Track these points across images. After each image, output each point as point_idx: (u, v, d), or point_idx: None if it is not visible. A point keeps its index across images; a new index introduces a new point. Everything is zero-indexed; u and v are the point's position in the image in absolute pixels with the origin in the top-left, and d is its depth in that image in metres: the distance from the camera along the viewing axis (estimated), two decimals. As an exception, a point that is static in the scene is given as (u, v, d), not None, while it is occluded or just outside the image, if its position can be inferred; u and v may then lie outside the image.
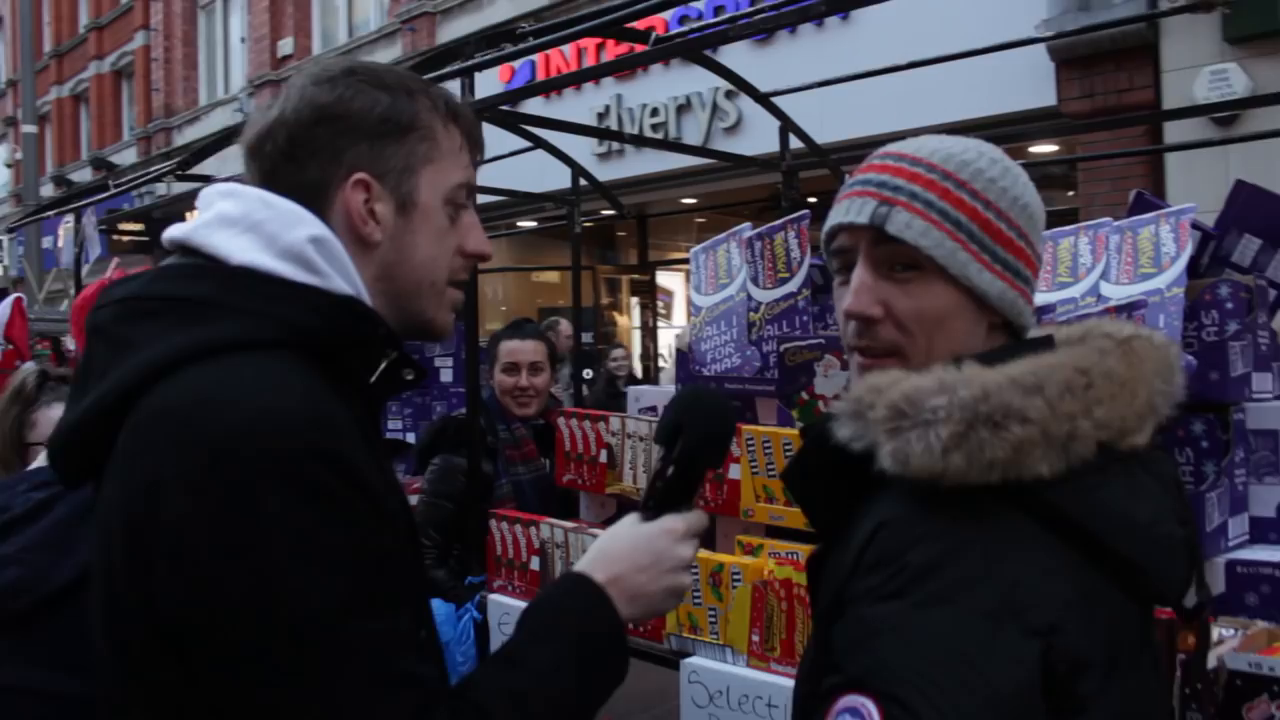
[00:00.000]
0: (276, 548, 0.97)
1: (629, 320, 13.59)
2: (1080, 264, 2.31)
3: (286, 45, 15.18)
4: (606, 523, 3.05)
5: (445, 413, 4.49)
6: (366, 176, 1.16)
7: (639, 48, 3.24)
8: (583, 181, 4.72)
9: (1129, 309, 2.01)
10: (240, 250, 1.11)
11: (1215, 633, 1.68)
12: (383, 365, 1.18)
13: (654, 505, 1.28)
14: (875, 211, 1.15)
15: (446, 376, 4.55)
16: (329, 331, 1.11)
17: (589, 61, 10.94)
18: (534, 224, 11.29)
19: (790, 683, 2.06)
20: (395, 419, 4.60)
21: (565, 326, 8.06)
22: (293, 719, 0.99)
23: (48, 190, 18.81)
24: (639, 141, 4.35)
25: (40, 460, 1.88)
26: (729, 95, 9.41)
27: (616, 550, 1.24)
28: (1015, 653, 0.96)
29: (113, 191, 6.09)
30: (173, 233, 1.16)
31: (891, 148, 1.22)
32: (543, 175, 5.59)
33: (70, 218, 9.11)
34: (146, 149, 18.99)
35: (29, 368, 1.95)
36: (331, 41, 14.68)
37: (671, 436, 1.28)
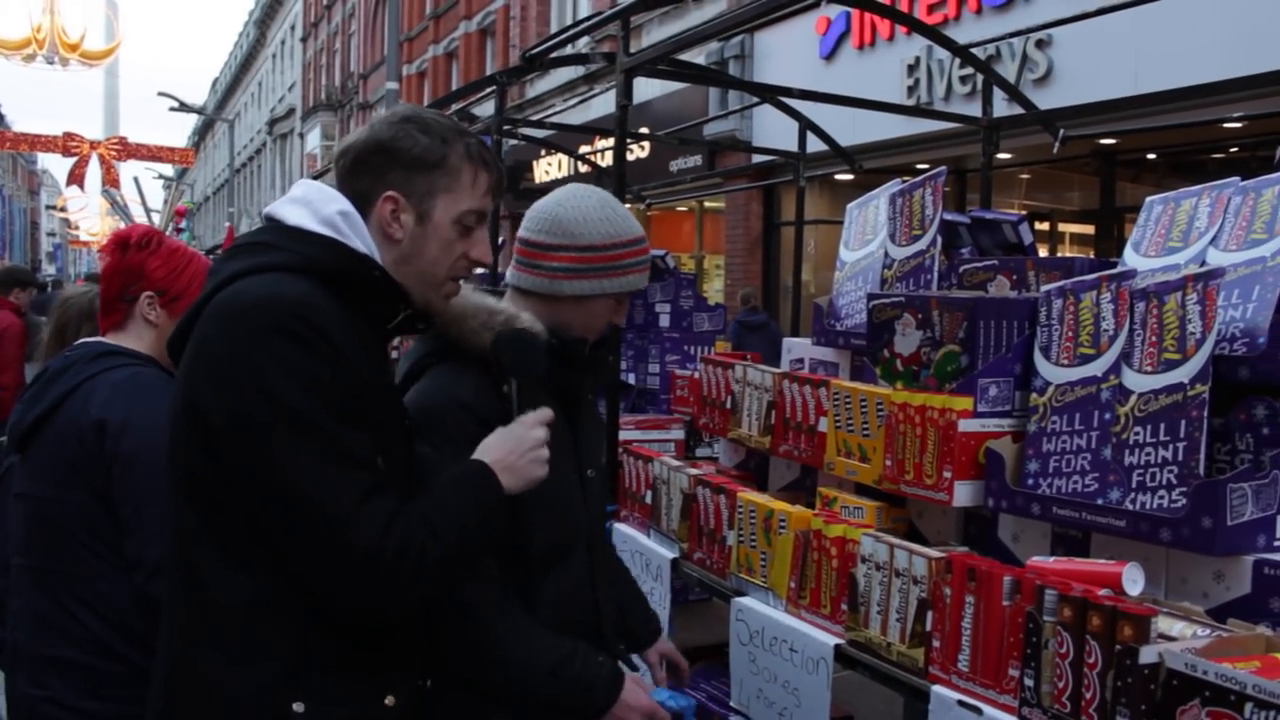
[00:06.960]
0: (271, 370, 1.48)
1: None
2: (1194, 228, 2.10)
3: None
4: (737, 467, 3.14)
5: (660, 356, 4.73)
6: (395, 194, 1.66)
7: None
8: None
9: (1205, 279, 1.83)
10: (295, 217, 1.64)
11: (1191, 630, 1.55)
12: (401, 315, 1.70)
13: (510, 413, 1.77)
14: None
15: (664, 322, 4.76)
16: (337, 268, 1.61)
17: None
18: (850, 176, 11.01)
19: (813, 631, 2.10)
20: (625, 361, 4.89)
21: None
22: (282, 486, 1.47)
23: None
24: (752, 88, 4.26)
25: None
26: (1039, 45, 8.83)
27: (492, 445, 1.71)
28: None
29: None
30: (266, 209, 1.70)
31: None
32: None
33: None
34: (502, 101, 20.51)
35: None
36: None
37: (501, 367, 1.83)
